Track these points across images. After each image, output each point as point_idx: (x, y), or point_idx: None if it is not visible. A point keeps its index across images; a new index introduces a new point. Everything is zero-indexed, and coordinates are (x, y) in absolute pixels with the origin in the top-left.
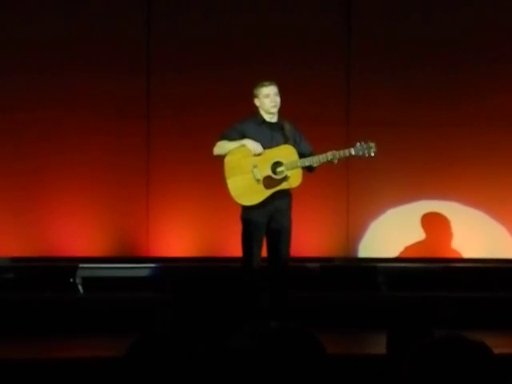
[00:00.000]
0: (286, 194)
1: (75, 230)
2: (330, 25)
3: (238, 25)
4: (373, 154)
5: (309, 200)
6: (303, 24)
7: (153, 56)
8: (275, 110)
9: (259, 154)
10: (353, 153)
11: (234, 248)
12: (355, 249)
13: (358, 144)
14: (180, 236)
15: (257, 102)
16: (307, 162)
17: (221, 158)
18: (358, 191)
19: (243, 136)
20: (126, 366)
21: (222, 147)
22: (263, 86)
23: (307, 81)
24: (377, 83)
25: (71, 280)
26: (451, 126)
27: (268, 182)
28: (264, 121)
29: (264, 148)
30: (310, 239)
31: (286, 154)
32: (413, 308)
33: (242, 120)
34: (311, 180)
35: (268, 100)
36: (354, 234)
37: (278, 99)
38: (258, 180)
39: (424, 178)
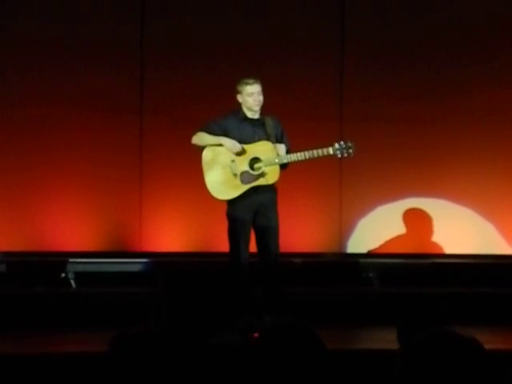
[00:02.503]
0: (270, 189)
1: (68, 225)
2: (323, 21)
3: (232, 21)
4: (351, 154)
5: (302, 196)
6: (296, 20)
7: (146, 51)
8: (258, 108)
9: (238, 153)
10: (331, 152)
11: (226, 243)
12: (346, 244)
13: (336, 144)
14: (173, 231)
15: (239, 98)
16: (285, 159)
17: (198, 150)
18: (351, 187)
19: (225, 131)
20: (107, 361)
21: (200, 138)
22: (247, 84)
23: (300, 77)
24: (370, 80)
25: (63, 275)
26: (442, 123)
27: (245, 177)
28: (246, 117)
29: (246, 144)
30: (302, 235)
31: (265, 150)
32: (420, 303)
33: (226, 115)
34: (304, 176)
35: (251, 99)
36: (346, 230)
37: (261, 98)
38: (235, 175)
39: (413, 175)
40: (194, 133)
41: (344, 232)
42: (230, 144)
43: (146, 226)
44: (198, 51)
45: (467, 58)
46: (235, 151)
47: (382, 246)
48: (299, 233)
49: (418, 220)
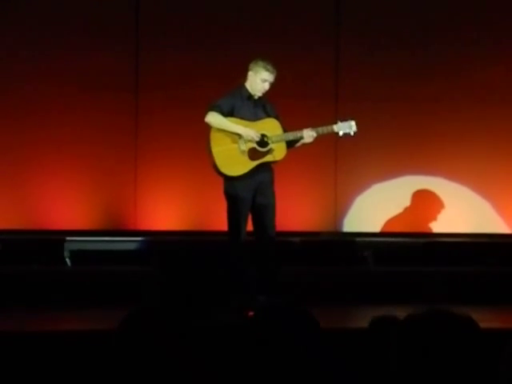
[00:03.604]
0: (268, 167)
1: (63, 204)
2: (319, 1)
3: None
4: (352, 133)
5: (297, 174)
6: (293, 1)
7: (141, 29)
8: (261, 94)
9: (254, 140)
10: (335, 129)
11: (221, 222)
12: (342, 223)
13: (339, 121)
14: (168, 210)
15: (251, 76)
16: (291, 135)
17: (208, 126)
18: (346, 166)
19: (232, 108)
20: (117, 340)
21: (218, 122)
22: (267, 70)
23: (296, 57)
24: (365, 59)
25: (58, 253)
26: (437, 102)
27: (252, 153)
28: (250, 96)
29: (249, 121)
30: (297, 213)
31: (271, 127)
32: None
33: (233, 92)
34: (299, 154)
35: (263, 85)
36: (341, 209)
37: (268, 88)
38: (242, 151)
39: (410, 154)
40: (207, 110)
41: (340, 211)
42: (248, 134)
43: (141, 205)
44: (194, 29)
45: (464, 37)
46: (255, 140)
47: (377, 225)
48: (294, 211)
49: (414, 198)
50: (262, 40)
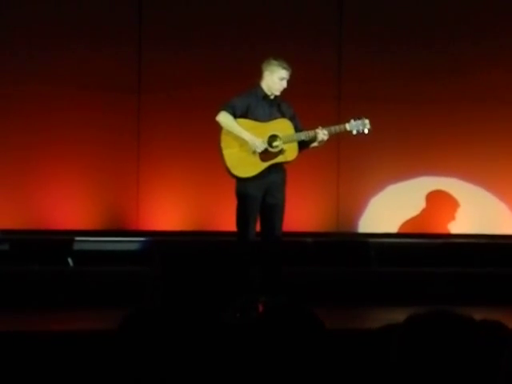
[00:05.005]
0: (280, 168)
1: (65, 204)
2: (322, 2)
3: (230, 1)
4: (366, 131)
5: (301, 175)
6: (295, 1)
7: (144, 30)
8: (279, 93)
9: (258, 151)
10: (348, 128)
11: (223, 222)
12: (350, 224)
13: (352, 120)
14: (170, 210)
15: (267, 75)
16: (303, 135)
17: (219, 126)
18: (348, 167)
19: (247, 108)
20: (117, 340)
21: (227, 124)
22: (284, 68)
23: (299, 56)
24: (368, 59)
25: (61, 253)
26: (442, 103)
27: (264, 154)
28: (265, 96)
29: (262, 122)
30: (300, 214)
31: (283, 127)
32: None
33: (249, 93)
34: (303, 155)
35: (280, 83)
36: (344, 210)
37: (286, 85)
38: (254, 152)
39: (422, 155)
40: (219, 109)
41: (343, 212)
42: (254, 143)
43: (143, 205)
44: (197, 31)
45: (468, 37)
46: (258, 150)
47: (391, 226)
48: (298, 212)
49: (428, 199)
50: (265, 41)
